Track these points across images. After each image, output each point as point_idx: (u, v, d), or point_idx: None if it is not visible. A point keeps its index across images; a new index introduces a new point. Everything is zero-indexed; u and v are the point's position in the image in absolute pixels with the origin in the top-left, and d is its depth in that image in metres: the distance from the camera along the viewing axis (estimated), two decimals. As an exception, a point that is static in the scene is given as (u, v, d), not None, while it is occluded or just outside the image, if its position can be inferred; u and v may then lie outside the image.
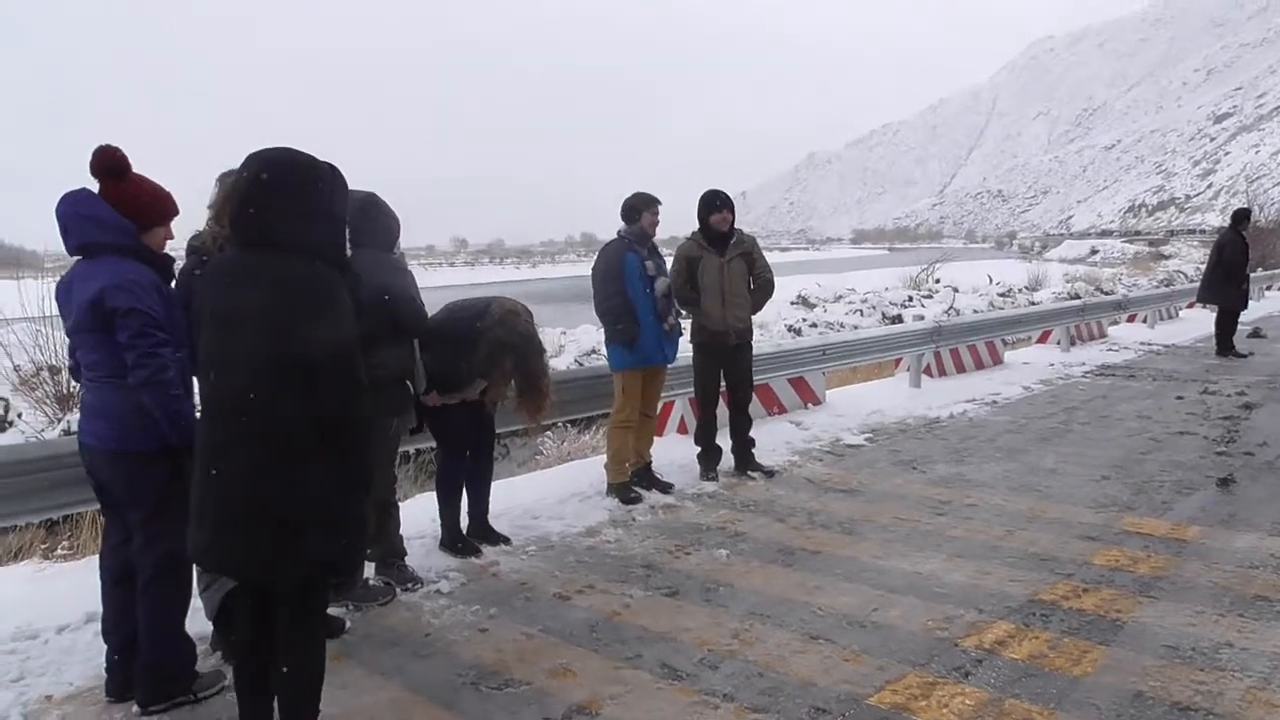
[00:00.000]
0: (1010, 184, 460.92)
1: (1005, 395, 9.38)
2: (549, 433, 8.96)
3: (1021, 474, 6.28)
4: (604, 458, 5.99)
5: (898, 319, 19.05)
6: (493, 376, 4.56)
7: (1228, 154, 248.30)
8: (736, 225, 6.18)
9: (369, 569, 4.36)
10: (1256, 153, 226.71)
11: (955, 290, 25.35)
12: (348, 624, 3.91)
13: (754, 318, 6.34)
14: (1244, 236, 12.09)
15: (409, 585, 4.34)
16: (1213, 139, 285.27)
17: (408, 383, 4.22)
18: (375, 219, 4.15)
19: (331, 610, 3.94)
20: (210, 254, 3.38)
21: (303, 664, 2.70)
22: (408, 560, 4.49)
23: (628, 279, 5.63)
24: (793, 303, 23.56)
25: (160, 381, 2.96)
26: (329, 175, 2.71)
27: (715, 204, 6.12)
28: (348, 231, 3.49)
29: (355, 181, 4.31)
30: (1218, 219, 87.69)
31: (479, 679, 3.43)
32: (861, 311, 21.37)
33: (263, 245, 2.58)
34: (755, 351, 6.70)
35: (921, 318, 16.38)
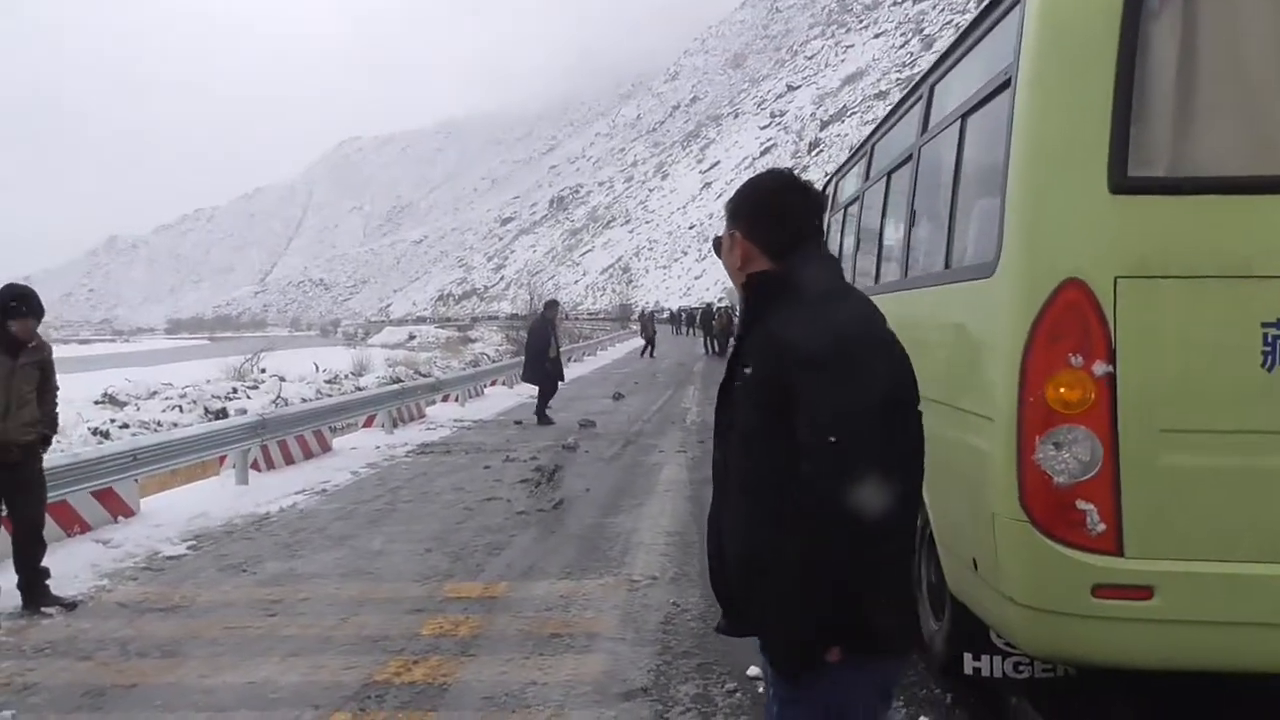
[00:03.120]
0: (332, 273, 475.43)
1: (335, 482, 9.53)
2: None
3: (352, 559, 6.41)
4: None
5: (222, 413, 18.13)
6: None
7: (514, 251, 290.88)
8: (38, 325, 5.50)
9: None
10: (534, 251, 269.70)
11: (282, 379, 25.07)
12: None
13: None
14: (550, 322, 14.56)
15: None
16: (501, 238, 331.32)
17: None
18: None
19: None
20: None
21: None
22: None
23: None
24: (98, 402, 20.92)
25: None
26: None
27: (14, 310, 5.31)
28: None
29: None
30: (510, 306, 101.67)
31: None
32: (181, 407, 19.89)
33: None
34: (48, 464, 5.83)
35: (244, 411, 15.82)
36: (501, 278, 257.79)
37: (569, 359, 29.81)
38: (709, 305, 46.83)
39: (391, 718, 3.78)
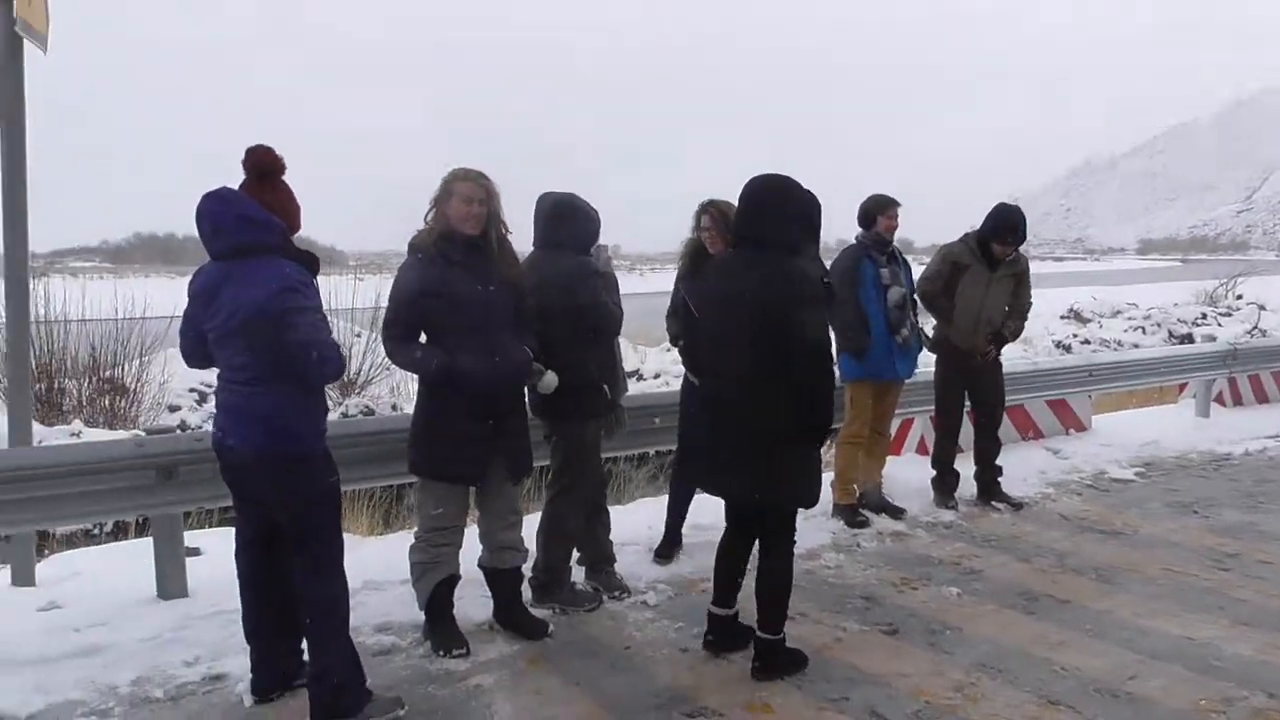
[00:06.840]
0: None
1: (1319, 432, 8.01)
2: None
3: (1334, 529, 5.28)
4: (832, 475, 5.65)
5: (1187, 338, 17.02)
6: None
7: None
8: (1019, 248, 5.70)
9: (578, 573, 4.33)
10: None
11: (1261, 308, 22.29)
12: (551, 627, 3.88)
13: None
14: None
15: (616, 594, 4.26)
16: None
17: (605, 387, 4.09)
18: (571, 219, 4.04)
19: (537, 612, 3.94)
20: (426, 250, 3.48)
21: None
22: (617, 567, 4.42)
23: (861, 286, 5.28)
24: (1063, 317, 21.72)
25: (340, 373, 3.07)
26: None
27: (1001, 236, 5.51)
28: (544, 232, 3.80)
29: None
30: None
31: (671, 702, 3.27)
32: (1144, 329, 19.33)
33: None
34: (1009, 369, 6.13)
35: (1212, 338, 14.45)
36: None
37: None
38: None
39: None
